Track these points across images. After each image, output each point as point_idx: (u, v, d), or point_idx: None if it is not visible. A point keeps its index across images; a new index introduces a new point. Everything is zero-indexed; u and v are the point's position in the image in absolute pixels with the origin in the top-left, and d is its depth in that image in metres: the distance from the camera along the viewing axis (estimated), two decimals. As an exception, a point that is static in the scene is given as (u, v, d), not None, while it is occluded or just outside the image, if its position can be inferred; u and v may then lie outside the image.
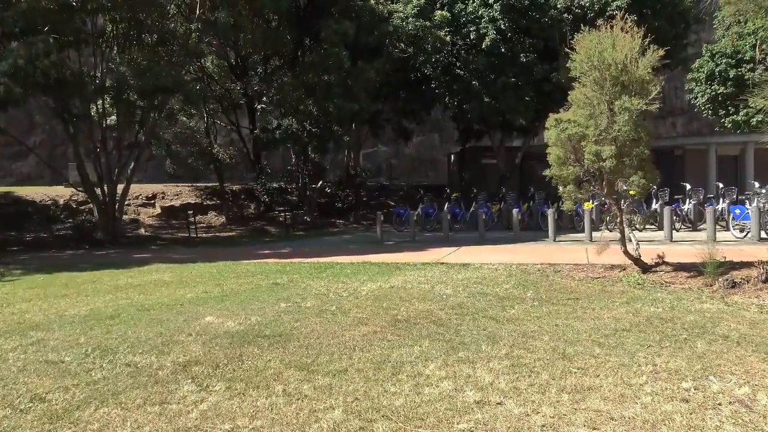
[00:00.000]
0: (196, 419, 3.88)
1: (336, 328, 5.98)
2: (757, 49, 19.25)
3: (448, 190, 20.45)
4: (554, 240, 14.18)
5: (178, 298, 7.99)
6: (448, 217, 16.51)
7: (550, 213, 14.66)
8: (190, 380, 4.58)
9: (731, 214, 13.81)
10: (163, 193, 25.47)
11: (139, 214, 23.79)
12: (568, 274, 8.93)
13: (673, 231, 13.85)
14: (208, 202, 25.51)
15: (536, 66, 20.27)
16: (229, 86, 24.67)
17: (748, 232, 12.91)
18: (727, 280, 7.40)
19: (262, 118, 24.25)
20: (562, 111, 8.68)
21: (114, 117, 19.34)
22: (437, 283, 8.42)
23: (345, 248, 14.39)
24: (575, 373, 4.46)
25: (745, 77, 20.27)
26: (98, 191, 18.69)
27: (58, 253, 16.32)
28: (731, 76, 21.30)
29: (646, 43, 8.21)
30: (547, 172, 8.81)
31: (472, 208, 17.55)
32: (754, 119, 19.43)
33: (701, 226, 14.92)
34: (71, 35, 16.54)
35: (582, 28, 9.28)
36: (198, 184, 26.94)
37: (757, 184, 14.85)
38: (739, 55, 21.37)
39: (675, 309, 6.41)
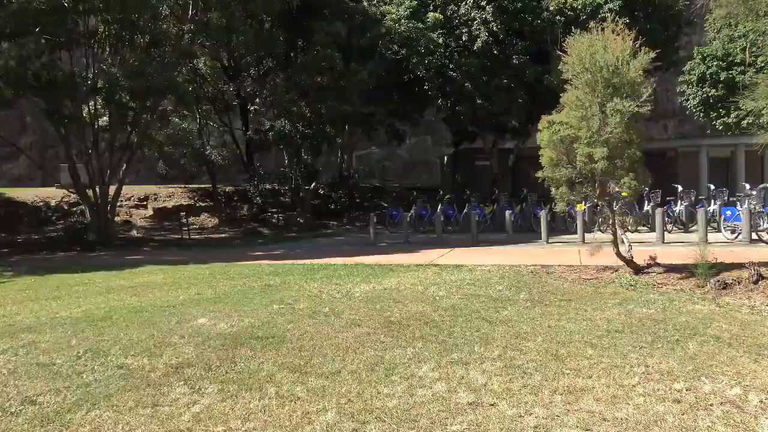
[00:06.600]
0: (189, 421, 3.87)
1: (329, 329, 5.97)
2: (747, 52, 19.37)
3: (441, 192, 20.46)
4: (547, 241, 14.21)
5: (171, 300, 7.95)
6: (441, 219, 16.51)
7: (543, 214, 14.70)
8: (182, 382, 4.57)
9: (722, 216, 13.87)
10: (155, 194, 25.37)
11: (131, 216, 23.69)
12: (560, 276, 8.95)
13: (665, 232, 13.91)
14: (201, 203, 25.43)
15: (529, 68, 20.32)
16: (221, 87, 24.62)
17: (739, 234, 12.97)
18: (718, 281, 7.43)
19: (254, 120, 24.25)
20: (555, 113, 8.69)
21: (106, 118, 19.26)
22: (430, 285, 8.42)
23: (338, 250, 14.38)
24: (568, 374, 4.47)
25: (736, 80, 20.36)
26: (90, 193, 18.60)
27: (49, 254, 16.23)
28: (722, 79, 21.41)
29: (637, 45, 8.25)
30: (539, 174, 8.82)
31: (465, 210, 17.56)
32: (745, 121, 19.51)
33: (693, 228, 14.98)
34: (63, 36, 16.46)
35: (574, 30, 9.32)
36: (191, 186, 26.87)
37: (747, 186, 14.92)
38: (730, 58, 21.47)
39: (667, 310, 6.44)
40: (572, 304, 6.90)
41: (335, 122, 21.88)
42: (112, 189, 19.27)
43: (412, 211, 18.07)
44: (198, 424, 3.83)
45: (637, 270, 8.67)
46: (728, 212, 13.66)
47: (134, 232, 21.56)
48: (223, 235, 20.89)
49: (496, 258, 11.22)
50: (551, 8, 20.24)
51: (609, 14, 11.97)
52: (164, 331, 6.10)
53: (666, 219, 14.70)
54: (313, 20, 20.10)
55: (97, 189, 18.63)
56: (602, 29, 8.33)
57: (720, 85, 21.63)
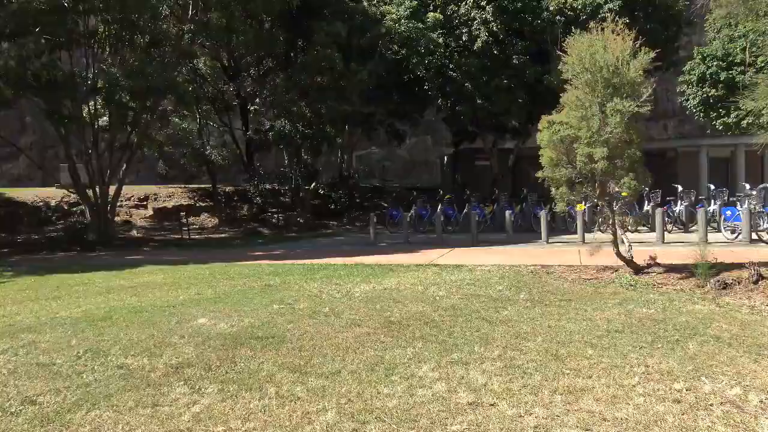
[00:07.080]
0: (189, 421, 3.87)
1: (329, 329, 5.97)
2: (747, 52, 19.36)
3: (441, 192, 20.47)
4: (547, 241, 14.21)
5: (171, 300, 7.95)
6: (441, 219, 16.51)
7: (543, 214, 14.70)
8: (182, 382, 4.56)
9: (722, 216, 13.87)
10: (155, 194, 25.37)
11: (131, 216, 23.69)
12: (560, 276, 8.95)
13: (665, 232, 13.91)
14: (201, 203, 25.43)
15: (529, 68, 20.32)
16: (221, 87, 24.62)
17: (739, 234, 12.97)
18: (718, 281, 7.43)
19: (254, 120, 24.24)
20: (555, 113, 8.69)
21: (106, 118, 19.27)
22: (430, 285, 8.42)
23: (338, 250, 14.37)
24: (568, 374, 4.47)
25: (736, 80, 20.35)
26: (90, 193, 18.59)
27: (49, 255, 16.23)
28: (722, 79, 21.41)
29: (637, 45, 8.25)
30: (539, 174, 8.82)
31: (465, 210, 17.56)
32: (745, 121, 19.52)
33: (693, 228, 14.98)
34: (63, 36, 16.45)
35: (574, 30, 9.32)
36: (191, 186, 26.87)
37: (747, 186, 14.93)
38: (730, 58, 21.47)
39: (667, 310, 6.44)
40: (572, 304, 6.90)
41: (335, 122, 21.88)
42: (112, 189, 19.27)
43: (412, 211, 18.07)
44: (198, 424, 3.83)
45: (637, 270, 8.67)
46: (728, 212, 13.66)
47: (134, 232, 21.56)
48: (223, 235, 20.88)
49: (496, 258, 11.22)
50: (551, 8, 20.24)
51: (609, 14, 11.95)
52: (164, 331, 6.10)
53: (666, 219, 14.70)
54: (313, 20, 20.10)
55: (97, 189, 18.63)
56: (602, 29, 8.32)
57: (720, 85, 21.63)
